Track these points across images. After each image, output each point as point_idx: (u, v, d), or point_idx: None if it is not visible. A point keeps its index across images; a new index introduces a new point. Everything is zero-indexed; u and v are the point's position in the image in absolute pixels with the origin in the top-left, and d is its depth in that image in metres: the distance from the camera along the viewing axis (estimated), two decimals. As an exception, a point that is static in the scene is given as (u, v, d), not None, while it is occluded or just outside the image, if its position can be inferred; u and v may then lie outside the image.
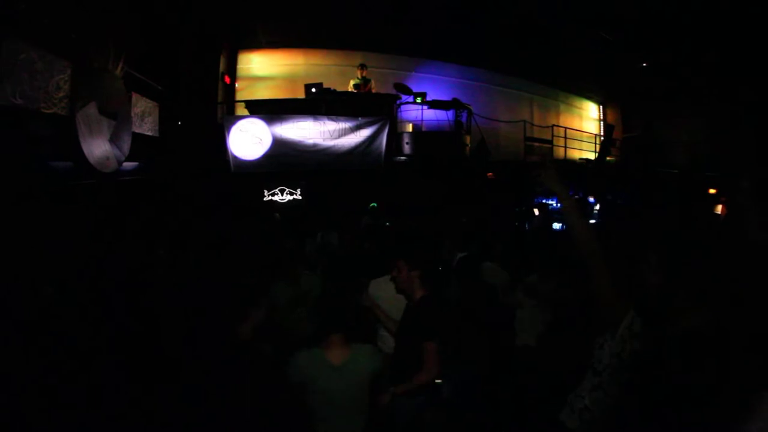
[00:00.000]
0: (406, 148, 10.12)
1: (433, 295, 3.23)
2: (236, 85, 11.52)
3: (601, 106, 16.71)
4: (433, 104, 10.58)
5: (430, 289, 3.20)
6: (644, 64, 12.42)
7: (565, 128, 14.05)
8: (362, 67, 10.46)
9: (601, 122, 16.63)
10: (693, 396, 1.33)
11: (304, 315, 4.14)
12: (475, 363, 3.93)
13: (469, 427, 3.91)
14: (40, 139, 5.00)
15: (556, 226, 10.61)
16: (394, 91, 10.41)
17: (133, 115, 6.89)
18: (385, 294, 3.83)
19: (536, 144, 13.16)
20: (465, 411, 3.94)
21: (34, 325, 3.55)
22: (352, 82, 10.43)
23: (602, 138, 15.21)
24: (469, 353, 3.89)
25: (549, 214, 11.04)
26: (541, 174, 2.20)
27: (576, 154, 14.55)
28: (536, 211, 11.59)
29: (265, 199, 9.47)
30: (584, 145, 15.03)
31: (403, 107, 10.78)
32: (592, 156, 14.77)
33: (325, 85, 9.83)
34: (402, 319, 3.29)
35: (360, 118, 9.43)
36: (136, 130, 6.95)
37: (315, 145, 9.28)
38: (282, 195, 9.51)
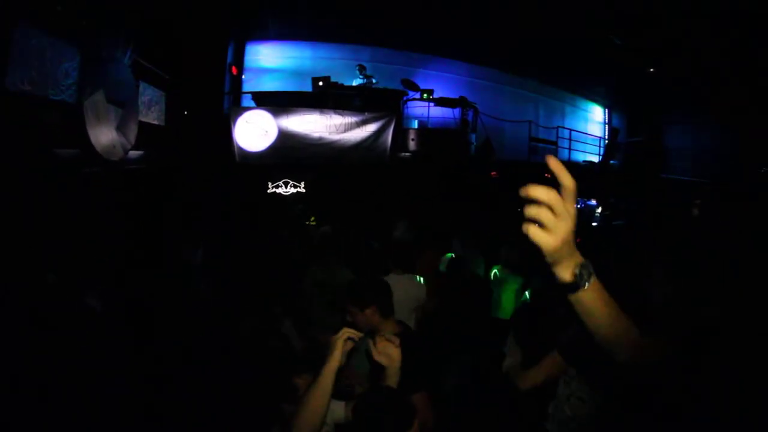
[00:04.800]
0: (411, 145, 10.11)
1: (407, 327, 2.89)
2: (243, 77, 11.48)
3: (606, 110, 16.65)
4: (440, 101, 10.57)
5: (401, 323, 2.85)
6: (651, 70, 12.36)
7: (570, 130, 14.02)
8: (362, 67, 10.48)
9: (607, 125, 16.58)
10: (698, 395, 1.33)
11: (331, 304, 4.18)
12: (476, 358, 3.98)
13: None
14: (47, 125, 5.00)
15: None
16: (401, 87, 10.38)
17: (140, 103, 6.89)
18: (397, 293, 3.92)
19: (541, 144, 13.16)
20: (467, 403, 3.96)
21: (34, 315, 3.56)
22: (355, 83, 10.42)
23: (607, 141, 15.20)
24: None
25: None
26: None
27: (580, 157, 14.53)
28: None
29: (269, 191, 9.47)
30: (588, 148, 15.01)
31: (409, 103, 10.77)
32: (596, 159, 14.76)
33: (332, 80, 9.81)
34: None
35: (366, 113, 9.42)
36: (143, 119, 6.95)
37: (321, 139, 9.26)
38: (286, 188, 9.51)
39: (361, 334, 2.09)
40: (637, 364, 1.22)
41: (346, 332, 2.03)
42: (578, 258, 1.05)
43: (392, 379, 2.02)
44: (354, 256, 5.23)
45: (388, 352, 2.03)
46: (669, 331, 1.43)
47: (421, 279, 4.35)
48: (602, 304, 1.10)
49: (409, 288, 4.07)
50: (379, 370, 2.08)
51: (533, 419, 2.62)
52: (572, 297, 1.08)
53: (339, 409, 2.03)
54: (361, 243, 6.58)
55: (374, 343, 2.05)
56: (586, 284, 1.05)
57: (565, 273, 1.05)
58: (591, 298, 1.07)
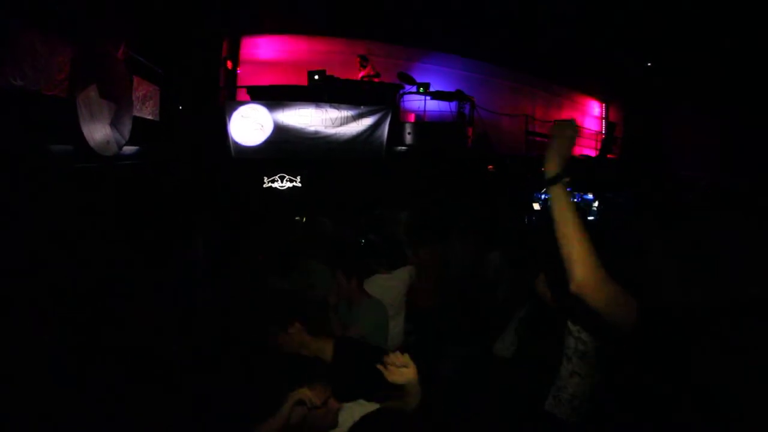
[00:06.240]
0: (408, 138, 10.08)
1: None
2: (238, 71, 11.41)
3: (603, 104, 16.65)
4: (436, 95, 10.54)
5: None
6: (648, 64, 12.34)
7: (568, 124, 13.99)
8: (363, 57, 10.42)
9: (604, 120, 16.58)
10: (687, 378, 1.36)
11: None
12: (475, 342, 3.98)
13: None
14: (39, 121, 4.95)
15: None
16: (397, 81, 10.34)
17: (134, 98, 6.83)
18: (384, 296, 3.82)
19: (538, 138, 13.15)
20: (464, 389, 3.96)
21: (29, 309, 3.55)
22: (360, 75, 10.36)
23: (604, 135, 15.20)
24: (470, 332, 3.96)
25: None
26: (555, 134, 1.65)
27: (577, 151, 14.53)
28: (536, 206, 11.58)
29: (264, 185, 9.43)
30: (585, 142, 15.01)
31: (405, 97, 10.75)
32: (593, 153, 14.76)
33: (327, 73, 9.76)
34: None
35: (362, 107, 9.37)
36: (137, 114, 6.88)
37: (316, 133, 9.23)
38: (282, 182, 9.47)
39: (317, 402, 1.80)
40: (591, 293, 1.47)
41: (300, 394, 1.78)
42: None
43: (412, 396, 1.91)
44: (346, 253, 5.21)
45: (401, 371, 1.85)
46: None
47: (409, 272, 4.08)
48: (568, 202, 1.56)
49: (393, 288, 3.83)
50: (394, 389, 1.91)
51: (534, 400, 2.61)
52: (551, 189, 1.57)
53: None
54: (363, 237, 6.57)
55: (384, 366, 1.86)
56: (564, 179, 1.56)
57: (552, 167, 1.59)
58: (563, 193, 1.56)
